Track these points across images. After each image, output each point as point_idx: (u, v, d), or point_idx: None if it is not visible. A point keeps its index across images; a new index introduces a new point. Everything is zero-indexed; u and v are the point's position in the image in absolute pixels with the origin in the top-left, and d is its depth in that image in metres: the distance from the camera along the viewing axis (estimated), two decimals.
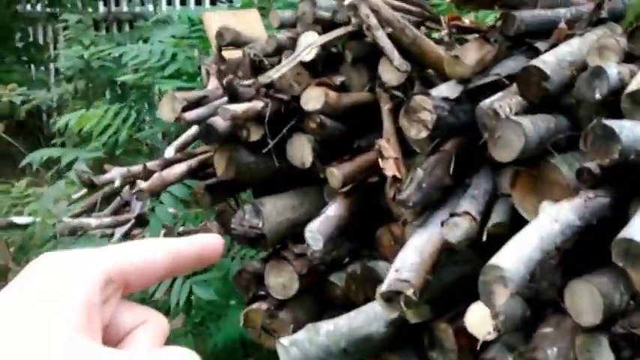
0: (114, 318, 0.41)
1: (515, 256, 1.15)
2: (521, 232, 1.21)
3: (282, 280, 1.86)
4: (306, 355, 1.50)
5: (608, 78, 1.28)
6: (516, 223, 1.43)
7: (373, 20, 1.51)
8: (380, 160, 1.58)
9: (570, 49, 1.41)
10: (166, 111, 1.85)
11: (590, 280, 1.28)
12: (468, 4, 1.51)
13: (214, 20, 2.31)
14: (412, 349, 1.58)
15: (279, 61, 1.91)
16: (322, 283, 1.89)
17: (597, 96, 1.29)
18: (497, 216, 1.43)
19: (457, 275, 1.53)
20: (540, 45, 1.49)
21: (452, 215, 1.35)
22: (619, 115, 1.30)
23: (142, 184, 1.79)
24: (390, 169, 1.54)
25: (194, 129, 2.11)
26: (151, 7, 5.47)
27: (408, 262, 1.38)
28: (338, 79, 1.73)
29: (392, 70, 1.69)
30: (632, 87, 1.23)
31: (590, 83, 1.30)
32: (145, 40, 3.18)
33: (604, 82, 1.28)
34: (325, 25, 1.85)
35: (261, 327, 1.90)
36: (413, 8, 1.71)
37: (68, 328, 0.36)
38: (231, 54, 2.15)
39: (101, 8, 6.18)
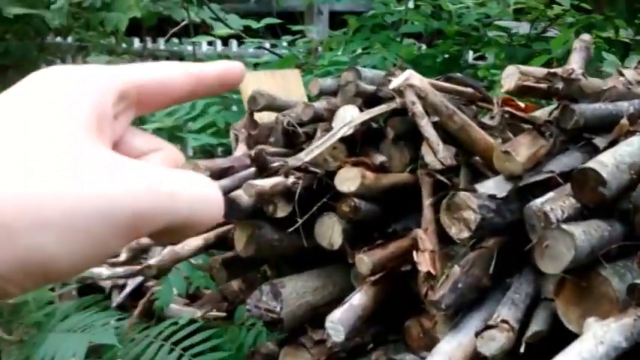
0: (125, 138, 0.40)
1: None
2: (563, 353, 1.16)
3: None
4: None
5: None
6: (556, 331, 1.39)
7: (419, 108, 1.49)
8: (415, 252, 1.54)
9: (630, 149, 1.37)
10: None
11: None
12: (527, 96, 1.48)
13: (250, 80, 2.31)
14: None
15: (315, 131, 1.90)
16: None
17: None
18: (537, 324, 1.38)
19: None
20: (599, 141, 1.45)
21: (488, 327, 1.30)
22: None
23: (151, 260, 1.78)
24: (424, 263, 1.51)
25: None
26: (190, 47, 5.44)
27: None
28: (378, 159, 1.71)
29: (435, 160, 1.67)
30: None
31: None
32: None
33: None
34: (368, 99, 1.85)
35: None
36: (465, 89, 1.69)
37: (76, 127, 0.34)
38: (266, 116, 2.15)
39: (136, 43, 6.27)
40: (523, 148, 1.41)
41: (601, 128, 1.49)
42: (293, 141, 1.98)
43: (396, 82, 1.55)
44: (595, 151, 1.46)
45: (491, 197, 1.38)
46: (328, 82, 2.06)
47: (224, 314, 2.37)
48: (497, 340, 1.28)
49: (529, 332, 1.34)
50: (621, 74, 1.64)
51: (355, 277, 1.82)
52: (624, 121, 1.46)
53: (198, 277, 2.27)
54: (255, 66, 3.60)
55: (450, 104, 1.54)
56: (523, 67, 1.49)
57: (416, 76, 1.52)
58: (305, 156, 1.60)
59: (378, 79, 1.96)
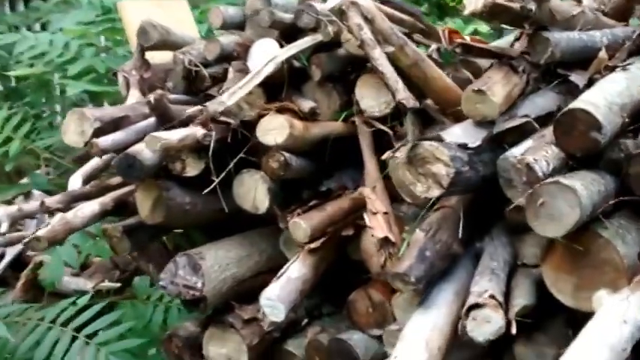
0: None
1: None
2: (582, 337, 0.93)
3: (226, 351, 1.54)
4: None
5: None
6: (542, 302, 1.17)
7: (368, 34, 1.17)
8: (366, 216, 1.26)
9: (619, 88, 1.14)
10: (72, 133, 1.47)
11: None
12: (495, 19, 1.20)
13: (133, 10, 1.90)
14: None
15: (224, 73, 1.55)
16: (275, 351, 1.56)
17: None
18: (521, 296, 1.15)
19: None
20: (577, 79, 1.21)
21: (475, 306, 1.05)
22: None
23: (40, 232, 1.40)
24: (379, 228, 1.23)
25: None
26: None
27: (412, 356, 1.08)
28: (306, 104, 1.39)
29: (375, 95, 1.38)
30: None
31: None
32: (44, 26, 2.67)
33: None
34: (284, 31, 1.51)
35: None
36: (405, 17, 1.39)
37: None
38: (157, 56, 1.77)
39: None
40: (498, 87, 1.14)
41: (575, 63, 1.25)
42: (196, 85, 1.62)
43: (334, 1, 1.22)
44: (572, 90, 1.21)
45: (463, 147, 1.11)
46: (230, 11, 1.69)
47: (118, 285, 2.03)
48: (493, 322, 1.04)
49: (516, 307, 1.11)
50: (579, 1, 1.41)
51: (285, 243, 1.52)
52: (602, 54, 1.23)
53: (88, 244, 1.89)
54: None
55: (400, 33, 1.24)
56: None
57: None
58: (228, 99, 1.27)
59: (291, 5, 1.62)
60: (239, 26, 1.66)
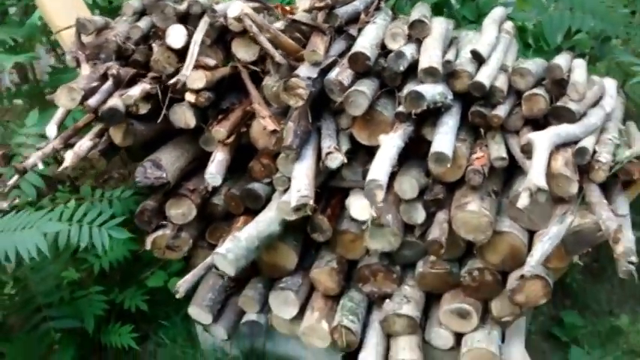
0: None
1: (382, 170, 2.02)
2: (379, 156, 2.08)
3: (181, 211, 2.50)
4: (237, 255, 2.21)
5: (406, 57, 2.16)
6: (355, 148, 2.31)
7: (255, 28, 2.16)
8: (261, 119, 2.28)
9: (375, 35, 2.25)
10: (65, 100, 2.27)
11: (409, 173, 2.22)
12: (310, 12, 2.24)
13: None
14: (300, 235, 2.41)
15: (150, 48, 2.42)
16: (207, 205, 2.57)
17: (401, 68, 2.17)
18: (344, 144, 2.28)
19: (322, 182, 2.36)
20: (353, 31, 2.30)
21: (328, 153, 2.16)
22: (407, 75, 2.22)
23: (65, 162, 2.22)
24: (270, 124, 2.27)
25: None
26: None
27: (303, 184, 2.17)
28: (209, 61, 2.34)
29: (245, 49, 2.36)
30: (423, 64, 2.13)
31: (396, 61, 2.17)
32: None
33: (404, 60, 2.17)
34: (180, 17, 2.39)
35: (166, 247, 2.54)
36: (257, 5, 2.37)
37: None
38: (66, 35, 2.52)
39: None
40: (320, 45, 2.20)
41: (351, 21, 2.33)
42: (123, 55, 2.46)
43: (234, 12, 2.17)
44: (351, 38, 2.30)
45: (309, 78, 2.17)
46: (135, 4, 2.52)
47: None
48: (338, 159, 2.16)
49: (343, 150, 2.23)
50: None
51: (204, 142, 2.49)
52: (363, 16, 2.32)
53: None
54: None
55: (267, 22, 2.23)
56: None
57: (241, 4, 2.17)
58: (187, 70, 2.17)
59: None
60: (141, 13, 2.51)
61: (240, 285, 2.65)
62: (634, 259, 1.85)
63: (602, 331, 2.96)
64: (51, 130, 2.40)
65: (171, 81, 2.20)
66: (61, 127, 2.43)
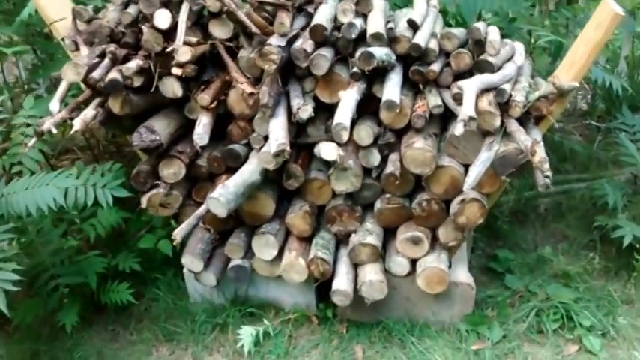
0: None
1: (346, 116, 2.45)
2: (341, 106, 2.51)
3: (173, 171, 2.86)
4: (227, 199, 2.60)
5: (356, 27, 2.61)
6: (318, 105, 2.73)
7: (233, 6, 2.56)
8: (239, 85, 2.68)
9: (329, 12, 2.69)
10: (71, 75, 2.61)
11: (365, 123, 2.66)
12: None
13: None
14: (276, 187, 2.81)
15: (140, 30, 2.78)
16: (192, 167, 2.94)
17: (353, 36, 2.61)
18: (309, 103, 2.70)
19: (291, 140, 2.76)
20: (310, 9, 2.73)
21: (298, 109, 2.58)
22: (356, 45, 2.66)
23: (75, 127, 2.56)
24: (247, 87, 2.67)
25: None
26: None
27: (280, 135, 2.58)
28: (193, 39, 2.72)
29: (220, 28, 2.76)
30: (370, 31, 2.58)
31: (349, 30, 2.61)
32: None
33: (355, 29, 2.61)
34: (162, 2, 2.77)
35: (159, 204, 2.89)
36: None
37: None
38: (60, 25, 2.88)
39: None
40: (286, 19, 2.62)
41: (307, 2, 2.77)
42: (114, 39, 2.82)
43: None
44: (310, 15, 2.73)
45: (280, 46, 2.58)
46: None
47: None
48: (308, 110, 2.58)
49: (309, 108, 2.65)
50: None
51: (189, 111, 2.87)
52: None
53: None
54: None
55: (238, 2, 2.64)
56: None
57: None
58: (179, 42, 2.55)
59: None
60: (127, 2, 2.88)
61: (224, 238, 3.02)
62: (547, 167, 2.32)
63: (530, 262, 3.45)
64: (54, 105, 2.73)
65: (169, 49, 2.57)
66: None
